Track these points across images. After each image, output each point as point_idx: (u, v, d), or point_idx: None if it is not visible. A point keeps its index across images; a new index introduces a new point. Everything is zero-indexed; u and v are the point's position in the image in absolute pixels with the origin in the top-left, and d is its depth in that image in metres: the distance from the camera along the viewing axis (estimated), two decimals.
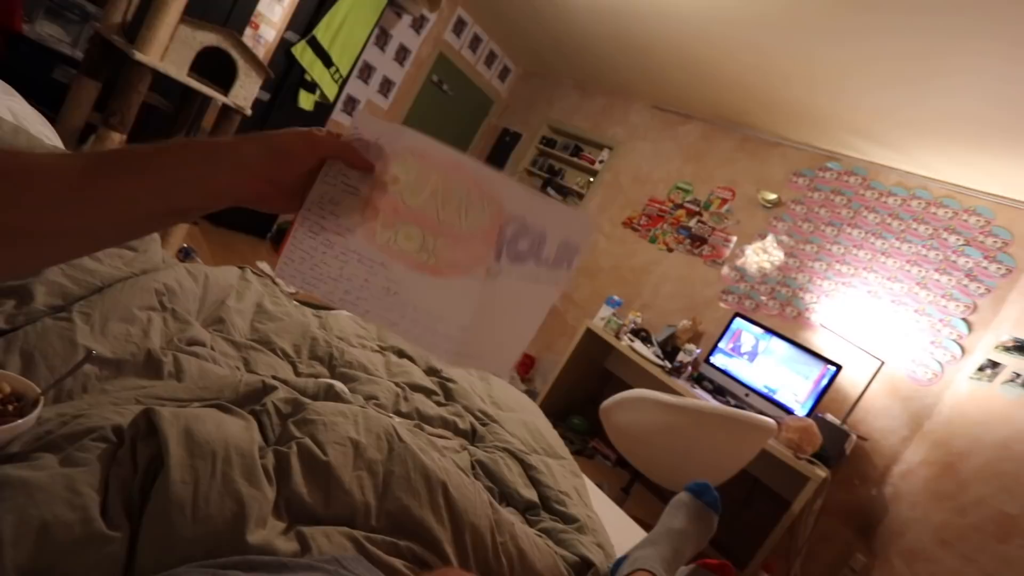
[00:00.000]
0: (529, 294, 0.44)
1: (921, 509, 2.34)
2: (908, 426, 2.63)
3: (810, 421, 2.38)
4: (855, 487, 2.69)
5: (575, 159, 4.47)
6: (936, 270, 2.74)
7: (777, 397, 2.76)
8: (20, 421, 0.49)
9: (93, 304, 0.74)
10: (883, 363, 2.62)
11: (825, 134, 3.10)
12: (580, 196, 4.41)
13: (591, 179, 4.42)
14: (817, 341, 2.99)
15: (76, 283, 0.77)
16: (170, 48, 1.87)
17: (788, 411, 2.68)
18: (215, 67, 2.08)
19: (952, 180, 2.79)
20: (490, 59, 4.71)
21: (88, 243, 0.35)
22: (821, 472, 2.25)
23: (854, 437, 2.53)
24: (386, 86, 4.16)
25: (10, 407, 0.51)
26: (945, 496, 2.27)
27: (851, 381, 2.78)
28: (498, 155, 4.91)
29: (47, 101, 2.05)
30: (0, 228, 0.28)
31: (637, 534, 1.23)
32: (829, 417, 2.58)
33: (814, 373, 2.71)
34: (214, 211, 0.38)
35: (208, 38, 1.96)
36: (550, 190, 4.55)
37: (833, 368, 2.65)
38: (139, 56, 1.78)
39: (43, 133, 1.26)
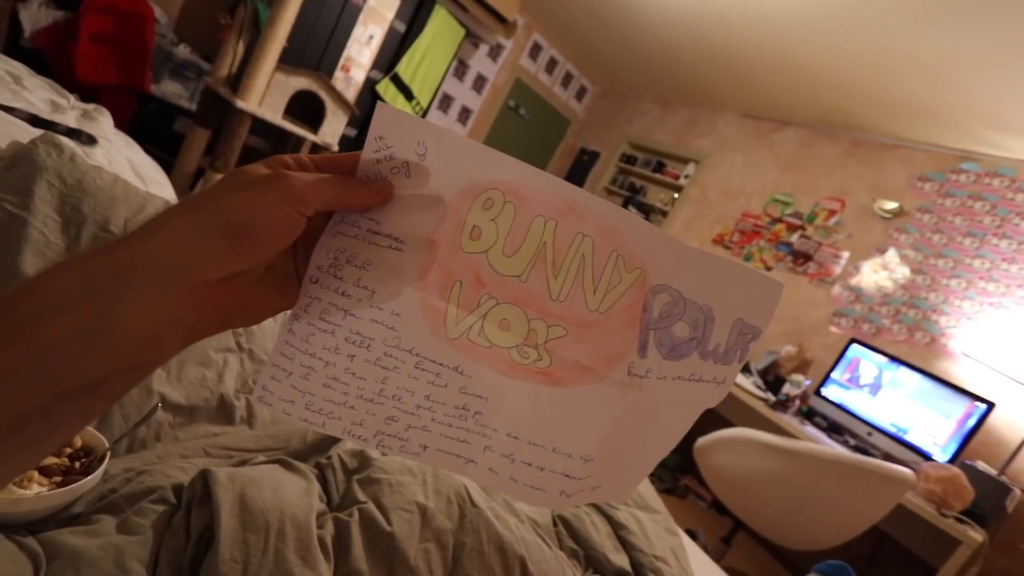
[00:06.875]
0: (683, 400, 0.31)
1: None
2: None
3: (957, 470, 1.99)
4: (1021, 553, 2.21)
5: (657, 175, 4.28)
6: None
7: (909, 438, 2.36)
8: (83, 481, 0.47)
9: None
10: None
11: (956, 131, 2.68)
12: (664, 214, 4.20)
13: (675, 195, 4.19)
14: (958, 373, 2.54)
15: None
16: (267, 94, 2.01)
17: (924, 455, 2.28)
18: (306, 108, 2.21)
19: None
20: (566, 80, 4.68)
21: None
22: (976, 535, 1.86)
23: (1017, 492, 2.09)
24: (464, 115, 4.26)
25: (77, 464, 0.50)
26: None
27: (1008, 422, 2.32)
28: (576, 175, 4.82)
29: (170, 150, 2.29)
30: None
31: None
32: (981, 465, 2.15)
33: (957, 411, 2.28)
34: (148, 372, 0.22)
35: (300, 82, 2.09)
36: (631, 208, 4.37)
37: (983, 406, 2.22)
38: (240, 104, 1.92)
39: (155, 179, 1.37)
